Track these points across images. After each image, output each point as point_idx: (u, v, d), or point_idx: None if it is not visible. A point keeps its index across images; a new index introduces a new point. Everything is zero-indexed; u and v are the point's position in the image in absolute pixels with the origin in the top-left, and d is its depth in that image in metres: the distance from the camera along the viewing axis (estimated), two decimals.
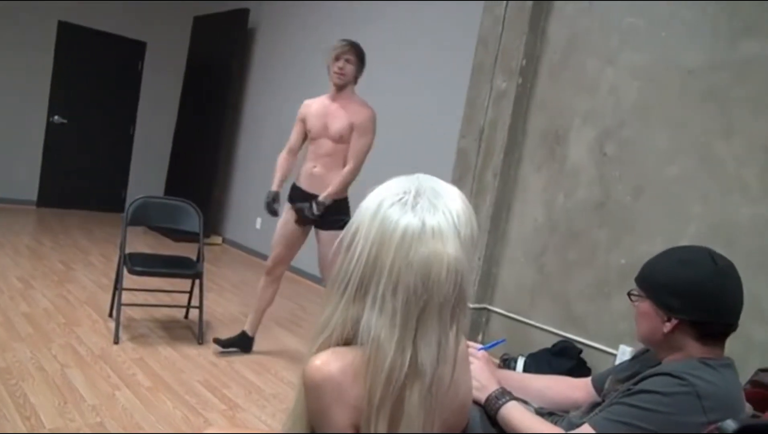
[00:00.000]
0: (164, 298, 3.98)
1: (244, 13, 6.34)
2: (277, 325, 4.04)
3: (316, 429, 0.88)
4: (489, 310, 3.90)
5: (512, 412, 1.33)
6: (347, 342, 0.88)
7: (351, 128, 3.09)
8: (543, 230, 3.66)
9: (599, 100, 3.43)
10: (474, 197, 3.87)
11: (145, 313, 3.76)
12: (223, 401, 2.74)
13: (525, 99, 3.78)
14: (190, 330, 3.63)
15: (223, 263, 5.81)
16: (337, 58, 3.08)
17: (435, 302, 0.83)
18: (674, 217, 3.06)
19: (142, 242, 5.83)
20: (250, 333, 3.37)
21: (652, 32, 3.22)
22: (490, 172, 3.82)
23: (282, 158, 3.31)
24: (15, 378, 2.61)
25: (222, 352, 3.30)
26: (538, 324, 3.60)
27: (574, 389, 1.57)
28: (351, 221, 0.89)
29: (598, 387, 1.52)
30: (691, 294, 1.24)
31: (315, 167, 3.16)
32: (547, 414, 1.46)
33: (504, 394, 1.36)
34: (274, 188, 3.26)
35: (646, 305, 1.32)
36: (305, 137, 3.24)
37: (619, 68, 3.35)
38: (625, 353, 3.11)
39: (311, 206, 3.08)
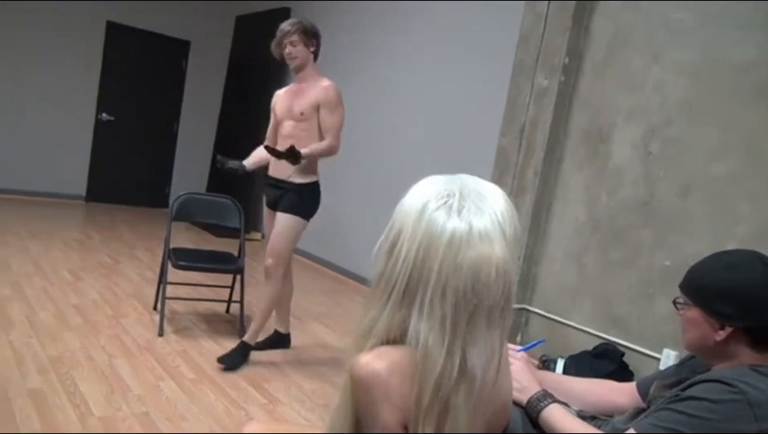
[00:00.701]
0: (206, 292, 4.07)
1: (285, 12, 6.41)
2: (316, 321, 4.08)
3: (364, 427, 0.88)
4: (528, 310, 3.86)
5: (554, 414, 1.32)
6: (393, 341, 0.88)
7: (315, 106, 3.05)
8: (584, 230, 3.60)
9: (644, 98, 3.35)
10: (514, 196, 3.83)
11: (188, 307, 3.85)
12: (264, 395, 2.79)
13: (567, 97, 3.73)
14: (231, 324, 3.70)
15: (263, 258, 5.88)
16: (281, 45, 3.06)
17: (484, 305, 0.83)
18: (722, 217, 2.98)
19: (186, 238, 5.97)
20: (283, 331, 3.41)
21: (701, 28, 3.13)
22: (531, 170, 3.78)
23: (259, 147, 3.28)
24: (66, 367, 2.71)
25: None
26: (578, 326, 3.55)
27: (618, 393, 1.55)
28: (392, 222, 0.88)
29: (642, 391, 1.49)
30: (745, 300, 1.20)
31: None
32: (590, 417, 1.44)
33: (546, 396, 1.35)
34: (245, 161, 3.27)
35: (694, 313, 1.28)
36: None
37: (666, 65, 3.27)
38: (669, 357, 3.04)
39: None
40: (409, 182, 0.96)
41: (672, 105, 3.23)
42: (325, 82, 3.09)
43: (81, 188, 7.15)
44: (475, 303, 0.82)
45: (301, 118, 3.06)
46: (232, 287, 3.80)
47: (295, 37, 3.03)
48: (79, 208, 6.86)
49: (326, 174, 6.15)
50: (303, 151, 2.94)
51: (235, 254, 3.64)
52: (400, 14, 5.22)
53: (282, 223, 3.08)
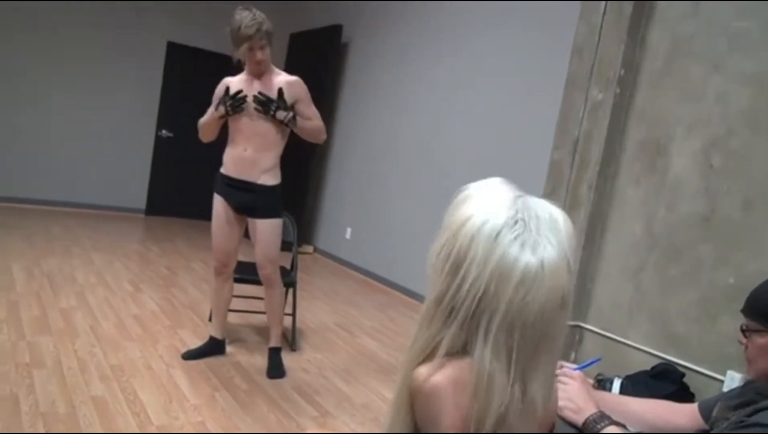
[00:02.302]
0: (260, 305, 4.14)
1: (337, 29, 6.53)
2: (366, 335, 4.10)
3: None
4: (582, 328, 3.77)
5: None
6: (452, 355, 0.88)
7: (291, 101, 2.95)
8: (641, 246, 3.49)
9: (705, 109, 3.25)
10: (567, 210, 3.74)
11: (242, 319, 3.93)
12: (315, 407, 2.82)
13: (623, 110, 3.65)
14: (283, 337, 3.75)
15: (314, 271, 5.97)
16: (251, 49, 2.86)
17: (549, 336, 0.84)
18: None
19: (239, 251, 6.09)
20: (219, 337, 3.26)
21: (765, 36, 3.01)
22: (585, 185, 3.70)
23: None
24: (126, 376, 2.80)
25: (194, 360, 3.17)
26: (635, 344, 3.44)
27: (678, 414, 1.49)
28: (453, 234, 0.86)
29: (705, 413, 1.43)
30: None
31: (246, 150, 2.95)
32: None
33: (603, 418, 1.32)
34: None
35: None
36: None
37: (728, 75, 3.16)
38: (733, 379, 2.91)
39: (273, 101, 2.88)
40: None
41: (735, 116, 3.11)
42: (292, 77, 3.01)
43: (141, 201, 7.43)
44: (540, 335, 0.83)
45: (271, 117, 2.92)
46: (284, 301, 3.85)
47: (263, 40, 2.88)
48: (140, 221, 7.13)
49: (376, 189, 6.20)
50: (301, 122, 2.93)
51: (288, 267, 3.70)
52: (454, 28, 5.23)
53: (268, 230, 3.04)
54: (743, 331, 1.29)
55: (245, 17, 2.86)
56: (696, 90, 3.30)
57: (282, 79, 3.00)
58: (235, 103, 2.89)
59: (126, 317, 3.62)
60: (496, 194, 0.88)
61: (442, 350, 0.86)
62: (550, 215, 0.87)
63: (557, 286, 0.83)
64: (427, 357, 0.87)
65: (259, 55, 2.88)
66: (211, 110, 3.06)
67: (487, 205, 0.86)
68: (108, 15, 6.85)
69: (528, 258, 0.82)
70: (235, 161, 2.98)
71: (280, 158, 3.08)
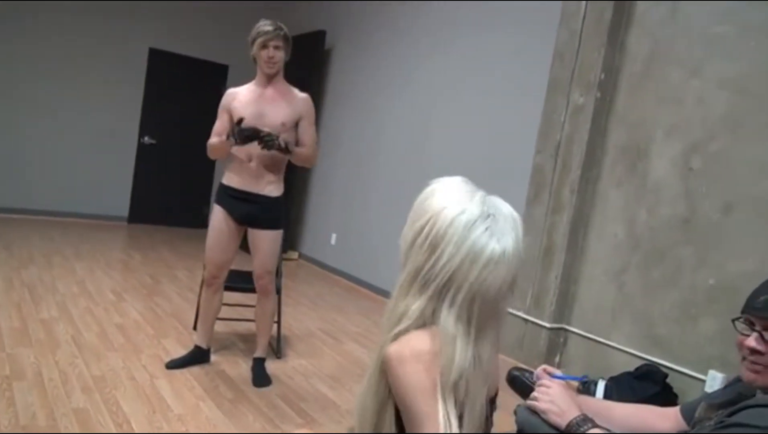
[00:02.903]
0: (245, 312, 4.12)
1: (321, 35, 6.53)
2: (352, 341, 4.09)
3: (405, 402, 0.99)
4: (567, 330, 3.79)
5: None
6: (420, 326, 1.03)
7: (297, 117, 2.97)
8: (624, 248, 3.53)
9: (684, 113, 3.29)
10: (551, 213, 3.79)
11: (227, 326, 3.90)
12: (300, 415, 2.80)
13: (604, 113, 3.69)
14: (268, 344, 3.73)
15: (300, 278, 5.95)
16: (264, 46, 2.86)
17: (499, 309, 1.04)
18: None
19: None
20: (204, 346, 3.22)
21: (742, 41, 3.07)
22: (567, 188, 3.74)
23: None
24: (109, 387, 2.77)
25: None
26: (618, 346, 3.47)
27: (662, 418, 1.50)
28: (426, 218, 1.01)
29: (687, 416, 1.44)
30: None
31: (251, 161, 2.92)
32: None
33: (586, 421, 1.32)
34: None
35: None
36: None
37: (706, 79, 3.21)
38: (715, 379, 2.94)
39: (275, 138, 2.77)
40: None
41: (713, 120, 3.16)
42: (303, 94, 3.05)
43: (124, 209, 7.36)
44: (492, 309, 1.02)
45: (282, 128, 2.91)
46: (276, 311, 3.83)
47: (279, 42, 2.88)
48: (122, 229, 7.06)
49: (361, 194, 6.20)
50: (299, 150, 2.94)
51: None
52: (432, 33, 5.26)
53: (270, 241, 3.06)
54: (762, 335, 1.23)
55: (263, 23, 2.90)
56: (675, 94, 3.35)
57: (294, 94, 3.02)
58: (268, 143, 2.76)
59: (108, 327, 3.58)
60: (466, 191, 1.04)
61: (412, 316, 1.02)
62: (510, 213, 1.04)
63: (512, 271, 1.01)
64: (400, 323, 1.03)
65: (272, 51, 2.87)
66: (218, 128, 2.99)
67: (460, 198, 1.03)
68: (88, 21, 6.79)
69: (494, 246, 0.99)
70: (240, 173, 2.96)
71: (284, 169, 3.08)
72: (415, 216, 1.04)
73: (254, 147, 2.83)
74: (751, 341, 1.24)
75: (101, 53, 6.94)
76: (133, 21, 7.04)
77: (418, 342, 1.00)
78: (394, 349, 1.00)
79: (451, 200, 1.02)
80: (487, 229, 0.99)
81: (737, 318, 1.31)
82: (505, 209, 1.04)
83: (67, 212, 6.98)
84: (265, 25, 2.88)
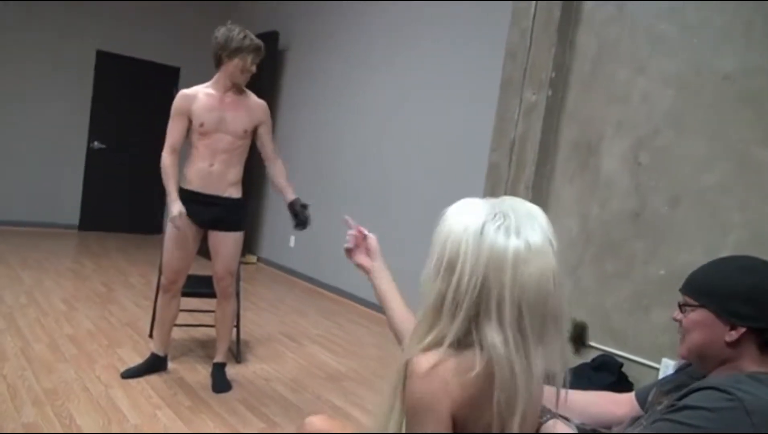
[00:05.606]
0: (202, 318, 4.05)
1: (273, 36, 6.47)
2: (314, 343, 4.06)
3: (413, 419, 0.95)
4: None
5: (554, 429, 1.31)
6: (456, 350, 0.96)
7: (256, 125, 3.02)
8: (578, 243, 3.61)
9: (631, 110, 3.39)
10: None
11: (184, 333, 3.82)
12: (262, 419, 2.77)
13: (555, 111, 3.76)
14: (227, 349, 3.67)
15: (259, 281, 5.88)
16: (252, 63, 2.93)
17: (551, 315, 0.93)
18: (713, 226, 2.99)
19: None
20: (161, 354, 3.17)
21: (684, 39, 3.18)
22: (522, 185, 3.80)
23: (170, 161, 2.90)
24: (61, 399, 2.68)
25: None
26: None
27: (618, 404, 1.54)
28: (442, 246, 0.96)
29: (641, 401, 1.49)
30: (762, 301, 1.22)
31: (212, 165, 2.93)
32: (591, 431, 1.44)
33: (545, 412, 1.34)
34: (175, 201, 2.80)
35: (702, 315, 1.28)
36: (186, 134, 2.96)
37: (651, 76, 3.31)
38: (668, 366, 3.04)
39: (302, 209, 3.16)
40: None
41: (659, 116, 3.26)
42: (260, 100, 3.08)
43: (74, 216, 7.13)
44: (542, 311, 0.92)
45: (243, 135, 2.96)
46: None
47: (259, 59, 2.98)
48: (73, 237, 6.83)
49: (320, 196, 6.17)
50: (289, 190, 3.25)
51: None
52: (387, 35, 5.27)
53: (231, 243, 3.08)
54: (680, 307, 1.35)
55: (242, 30, 2.93)
56: (622, 91, 3.44)
57: (253, 101, 3.04)
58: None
59: (59, 338, 3.46)
60: (471, 205, 0.98)
61: (446, 342, 0.94)
62: (525, 207, 0.98)
63: (546, 264, 0.92)
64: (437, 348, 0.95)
65: (251, 66, 2.93)
66: (175, 135, 2.97)
67: (465, 211, 0.96)
68: (33, 22, 6.56)
69: (515, 242, 0.92)
70: (202, 176, 2.94)
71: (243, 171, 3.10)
72: (431, 250, 0.99)
73: (218, 148, 2.88)
74: (676, 313, 1.36)
75: (46, 55, 6.71)
76: (80, 22, 6.83)
77: (447, 364, 0.94)
78: (420, 360, 0.95)
79: (456, 219, 0.97)
80: (499, 227, 0.93)
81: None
82: (518, 204, 0.99)
83: (14, 221, 6.72)
84: (249, 39, 2.90)
